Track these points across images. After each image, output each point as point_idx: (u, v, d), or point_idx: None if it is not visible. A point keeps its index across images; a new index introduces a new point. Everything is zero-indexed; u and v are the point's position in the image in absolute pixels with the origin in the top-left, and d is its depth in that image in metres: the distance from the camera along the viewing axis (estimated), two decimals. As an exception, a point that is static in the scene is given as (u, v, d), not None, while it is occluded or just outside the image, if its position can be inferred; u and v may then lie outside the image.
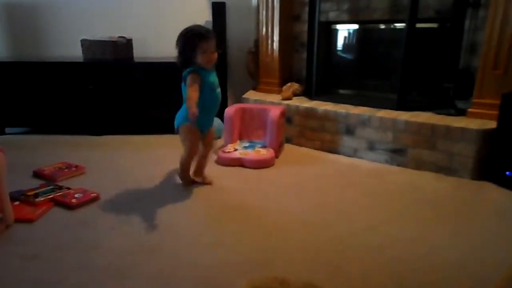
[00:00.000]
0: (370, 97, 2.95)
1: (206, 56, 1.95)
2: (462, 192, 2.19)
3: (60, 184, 2.22)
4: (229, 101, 3.64)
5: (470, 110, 2.48)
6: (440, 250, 1.63)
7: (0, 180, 1.69)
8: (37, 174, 2.38)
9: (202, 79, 1.98)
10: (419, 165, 2.50)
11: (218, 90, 2.10)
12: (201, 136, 2.15)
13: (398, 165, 2.57)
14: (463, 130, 2.31)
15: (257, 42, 3.50)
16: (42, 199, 1.98)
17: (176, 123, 2.13)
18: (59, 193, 2.05)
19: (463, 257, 1.59)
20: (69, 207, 1.95)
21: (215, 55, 1.99)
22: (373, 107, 2.76)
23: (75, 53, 3.43)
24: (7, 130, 3.32)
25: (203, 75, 1.99)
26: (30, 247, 1.64)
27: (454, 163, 2.37)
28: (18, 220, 1.81)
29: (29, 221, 1.81)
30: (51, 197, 2.01)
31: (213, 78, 2.05)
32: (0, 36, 3.60)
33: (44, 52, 3.66)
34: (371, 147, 2.67)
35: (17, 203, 1.95)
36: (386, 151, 2.61)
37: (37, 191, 2.07)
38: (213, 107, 2.12)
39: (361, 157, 2.72)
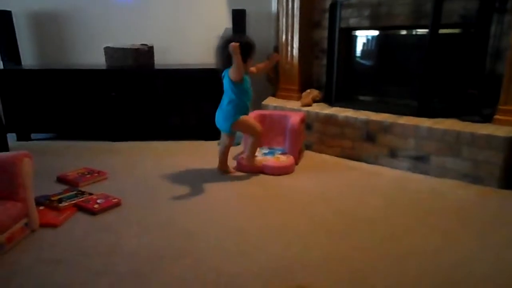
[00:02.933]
0: (391, 103, 2.90)
1: (251, 62, 2.41)
2: (489, 201, 2.13)
3: (83, 189, 2.24)
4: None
5: (496, 116, 2.41)
6: (466, 262, 1.58)
7: (27, 186, 1.72)
8: (61, 179, 2.41)
9: (244, 80, 2.38)
10: (442, 173, 2.44)
11: (251, 88, 2.46)
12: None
13: (421, 172, 2.51)
14: (489, 137, 2.24)
15: (277, 49, 3.49)
16: (66, 204, 2.00)
17: (228, 123, 2.42)
18: (82, 199, 2.08)
19: (491, 271, 1.53)
20: (92, 212, 1.97)
21: (252, 63, 2.43)
22: (394, 113, 2.71)
23: (99, 61, 3.48)
24: (33, 136, 3.38)
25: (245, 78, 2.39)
26: (54, 252, 1.65)
27: (480, 171, 2.30)
28: (43, 225, 1.83)
29: (54, 226, 1.84)
30: (75, 202, 2.04)
31: (247, 78, 2.44)
32: (27, 44, 3.69)
33: (69, 60, 3.73)
34: (393, 154, 2.62)
35: (42, 207, 1.98)
36: (408, 158, 2.56)
37: (61, 196, 2.10)
38: (248, 101, 2.45)
39: (382, 164, 2.67)
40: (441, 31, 2.50)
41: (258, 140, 2.47)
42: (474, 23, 2.52)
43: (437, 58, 2.54)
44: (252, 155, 2.51)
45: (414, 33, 2.80)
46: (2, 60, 3.47)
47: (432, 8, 2.47)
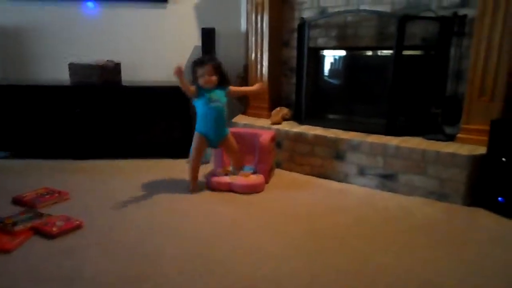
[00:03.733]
0: (359, 122, 2.93)
1: (202, 79, 2.44)
2: (455, 218, 2.15)
3: (42, 211, 2.11)
4: (218, 125, 3.59)
5: (459, 135, 2.47)
6: (437, 279, 1.57)
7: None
8: (17, 201, 2.26)
9: (198, 92, 2.47)
10: (410, 191, 2.46)
11: (215, 104, 2.48)
12: (214, 145, 2.59)
13: (389, 190, 2.53)
14: (453, 155, 2.29)
15: (246, 67, 3.49)
16: (21, 227, 1.87)
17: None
18: (40, 221, 1.95)
19: (461, 285, 1.53)
20: (50, 235, 1.85)
21: (211, 78, 2.44)
22: (363, 132, 2.74)
23: (63, 77, 3.35)
24: (-12, 154, 3.20)
25: (201, 91, 2.47)
26: (7, 279, 1.52)
27: (446, 188, 2.34)
28: (-6, 250, 1.69)
29: (7, 251, 1.71)
30: (31, 225, 1.90)
31: (212, 94, 2.47)
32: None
33: (32, 76, 3.57)
34: (362, 172, 2.63)
35: (-6, 231, 1.84)
36: (376, 176, 2.57)
37: (15, 219, 1.96)
38: (210, 117, 2.50)
39: (351, 182, 2.68)
40: (405, 52, 2.56)
41: (189, 161, 2.56)
42: (435, 46, 2.61)
43: (402, 78, 2.59)
44: (189, 175, 2.54)
45: (379, 53, 2.86)
46: (-42, 75, 3.30)
47: (396, 31, 2.53)
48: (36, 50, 3.55)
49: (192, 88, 2.47)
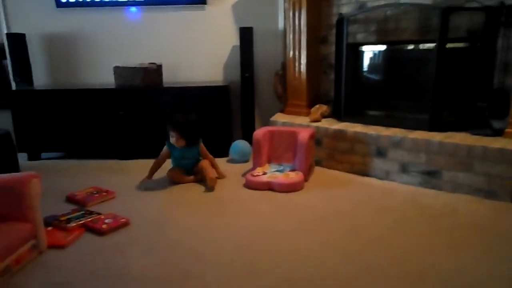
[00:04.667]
0: (401, 118, 2.87)
1: (172, 139, 2.64)
2: (503, 216, 2.07)
3: (91, 209, 2.23)
4: (256, 124, 3.63)
5: (507, 130, 2.37)
6: (483, 281, 1.53)
7: (35, 207, 1.71)
8: (69, 199, 2.41)
9: (170, 148, 2.70)
10: (455, 188, 2.38)
11: (186, 161, 2.71)
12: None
13: (433, 188, 2.47)
14: (502, 151, 2.20)
15: (284, 65, 3.50)
16: (74, 224, 1.99)
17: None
18: (90, 219, 2.06)
19: (511, 289, 1.47)
20: (100, 232, 1.95)
21: (178, 141, 2.62)
22: (405, 128, 2.68)
23: (109, 80, 3.51)
24: (43, 155, 3.40)
25: (171, 148, 2.69)
26: (62, 274, 1.63)
27: (493, 185, 2.25)
28: (50, 246, 1.82)
29: (62, 247, 1.82)
30: (83, 223, 2.02)
31: (182, 153, 2.68)
32: (39, 65, 3.73)
33: (80, 80, 3.77)
34: (404, 169, 2.58)
35: (50, 228, 1.97)
36: (419, 174, 2.51)
37: (69, 216, 2.09)
38: (182, 166, 2.73)
39: (393, 180, 2.63)
40: (448, 45, 2.49)
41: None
42: (480, 37, 2.50)
43: (446, 71, 2.51)
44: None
45: (421, 47, 2.78)
46: (15, 81, 3.52)
47: (439, 23, 2.46)
48: (83, 55, 3.73)
49: (164, 152, 2.69)
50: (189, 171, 2.73)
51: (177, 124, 2.61)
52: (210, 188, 2.54)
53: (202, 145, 2.74)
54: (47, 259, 1.74)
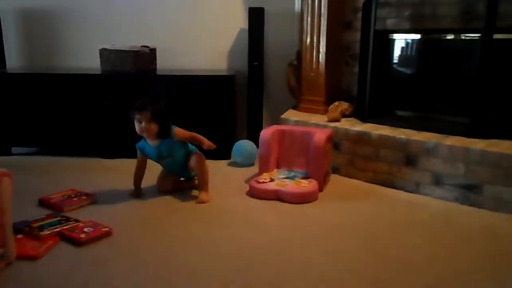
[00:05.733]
0: (436, 120, 2.87)
1: (138, 127, 2.46)
2: (555, 242, 2.07)
3: (68, 215, 2.25)
4: (264, 122, 3.64)
5: None
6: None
7: (5, 210, 1.73)
8: (43, 203, 2.44)
9: (142, 152, 2.59)
10: (498, 206, 2.38)
11: (166, 161, 2.58)
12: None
13: (471, 204, 2.47)
14: (555, 164, 2.19)
15: (299, 54, 3.51)
16: (47, 232, 2.01)
17: None
18: (67, 226, 2.09)
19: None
20: (78, 243, 1.97)
21: (148, 127, 2.44)
22: (440, 132, 2.68)
23: (94, 64, 3.55)
24: (14, 150, 3.44)
25: (142, 149, 2.58)
26: (32, 289, 1.65)
27: (544, 205, 2.25)
28: (20, 257, 1.83)
29: (33, 258, 1.84)
30: (58, 231, 2.05)
31: (157, 150, 2.53)
32: (13, 45, 3.78)
33: (60, 63, 3.81)
34: (438, 181, 2.58)
35: (20, 236, 1.99)
36: (456, 187, 2.51)
37: (42, 222, 2.11)
38: (167, 169, 2.66)
39: (424, 194, 2.63)
40: (496, 35, 2.48)
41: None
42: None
43: (492, 67, 2.51)
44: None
45: (463, 37, 2.78)
46: (-16, 62, 3.57)
47: (485, 10, 2.46)
48: (64, 34, 3.78)
49: (139, 158, 2.60)
50: (182, 172, 2.65)
51: (143, 104, 2.45)
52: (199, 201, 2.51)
53: (176, 128, 2.52)
54: (16, 272, 1.76)
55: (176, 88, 3.28)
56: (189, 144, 2.61)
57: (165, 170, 2.67)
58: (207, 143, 2.55)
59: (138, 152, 2.59)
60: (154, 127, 2.45)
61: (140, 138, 2.55)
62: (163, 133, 2.49)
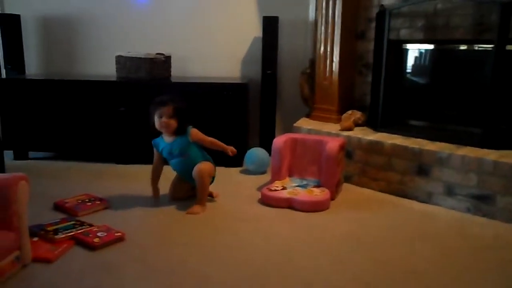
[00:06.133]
0: (449, 130, 2.86)
1: (158, 121, 2.48)
2: None
3: (82, 219, 2.29)
4: (277, 130, 3.65)
5: None
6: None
7: (22, 213, 1.77)
8: (58, 206, 2.48)
9: (156, 148, 2.60)
10: (510, 217, 2.36)
11: (177, 158, 2.55)
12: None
13: (484, 215, 2.45)
14: None
15: (313, 62, 3.52)
16: (62, 236, 2.05)
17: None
18: (81, 230, 2.12)
19: None
20: (91, 247, 2.01)
21: (168, 122, 2.46)
22: (453, 142, 2.67)
23: (110, 71, 3.60)
24: (31, 154, 3.50)
25: (157, 146, 2.59)
26: (46, 292, 1.68)
27: (558, 217, 2.22)
28: (35, 259, 1.87)
29: (48, 261, 1.88)
30: (72, 234, 2.08)
31: (169, 147, 2.53)
32: (33, 52, 3.86)
33: (77, 70, 3.89)
34: (450, 191, 2.56)
35: (35, 239, 2.03)
36: (468, 198, 2.50)
37: (57, 226, 2.15)
38: (175, 170, 2.63)
39: (437, 204, 2.62)
40: (509, 47, 2.48)
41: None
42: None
43: (505, 77, 2.50)
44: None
45: (476, 48, 2.78)
46: (5, 68, 3.63)
47: (498, 21, 2.45)
48: (82, 41, 3.85)
49: (155, 155, 2.62)
50: (191, 178, 2.54)
51: (166, 100, 2.48)
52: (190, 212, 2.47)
53: (194, 130, 2.54)
54: (31, 274, 1.80)
55: (190, 95, 3.29)
56: (205, 153, 2.61)
57: (177, 176, 2.66)
58: (230, 149, 2.59)
59: (155, 150, 2.61)
60: (173, 123, 2.47)
61: (157, 134, 2.57)
62: (180, 131, 2.50)
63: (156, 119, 2.49)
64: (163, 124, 2.47)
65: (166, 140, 2.55)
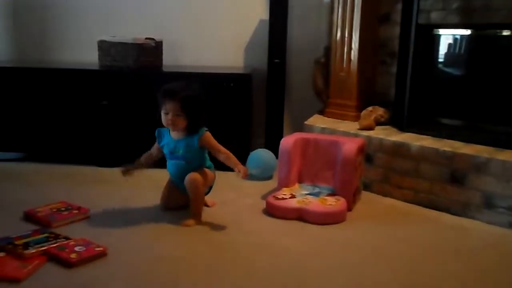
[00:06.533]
0: (488, 131, 2.85)
1: (164, 117, 2.45)
2: None
3: (57, 231, 2.28)
4: (285, 128, 3.65)
5: None
6: None
7: (-16, 224, 1.77)
8: (29, 216, 2.47)
9: (159, 139, 2.59)
10: (560, 234, 2.36)
11: (175, 161, 2.54)
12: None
13: (529, 231, 2.44)
14: None
15: (328, 50, 3.52)
16: (33, 251, 2.03)
17: None
18: (55, 244, 2.11)
19: None
20: (68, 264, 1.99)
21: (175, 120, 2.42)
22: (493, 145, 2.67)
23: (91, 58, 3.61)
24: (-3, 155, 3.51)
25: (160, 137, 2.58)
26: (13, 316, 1.68)
27: None
28: (1, 278, 1.86)
29: (16, 280, 1.86)
30: (45, 249, 2.07)
31: (175, 145, 2.51)
32: (2, 35, 3.86)
33: (52, 56, 3.89)
34: (489, 203, 2.56)
35: (2, 254, 2.03)
36: (510, 211, 2.49)
37: (27, 239, 2.14)
38: (172, 173, 2.61)
39: (472, 217, 2.61)
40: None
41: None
42: None
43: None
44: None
45: (522, 34, 2.77)
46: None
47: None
48: (59, 24, 3.86)
49: (154, 149, 2.62)
50: (179, 183, 2.55)
51: (176, 91, 2.42)
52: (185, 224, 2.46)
53: (207, 134, 2.50)
54: (-5, 295, 1.80)
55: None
56: (208, 160, 2.60)
57: (170, 180, 2.65)
58: (242, 170, 2.43)
59: (156, 142, 2.60)
60: (182, 121, 2.43)
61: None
62: (192, 129, 2.47)
63: (163, 114, 2.45)
64: (170, 122, 2.43)
65: (172, 135, 2.52)
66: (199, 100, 2.47)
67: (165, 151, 2.56)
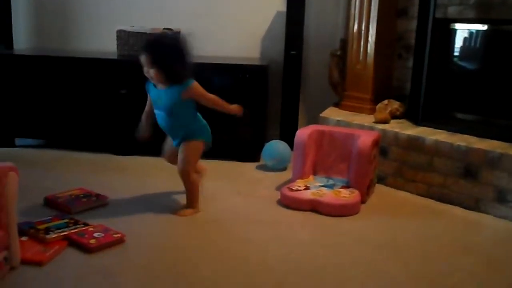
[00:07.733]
0: (502, 126, 2.85)
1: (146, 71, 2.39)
2: None
3: (77, 217, 2.34)
4: (301, 120, 3.66)
5: None
6: None
7: (10, 209, 1.81)
8: (49, 202, 2.53)
9: (148, 92, 2.53)
10: None
11: (160, 111, 2.46)
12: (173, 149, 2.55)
13: (541, 227, 2.45)
14: None
15: (344, 43, 3.52)
16: (54, 235, 2.09)
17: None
18: (75, 230, 2.17)
19: None
20: (87, 249, 2.05)
21: (149, 72, 2.37)
22: (507, 141, 2.66)
23: (110, 47, 3.65)
24: (18, 141, 3.56)
25: (150, 88, 2.51)
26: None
27: None
28: (25, 261, 1.91)
29: (39, 263, 1.92)
30: (65, 234, 2.12)
31: (157, 95, 2.45)
32: (22, 23, 3.91)
33: (72, 45, 3.93)
34: (502, 198, 2.56)
35: (25, 238, 2.08)
36: (523, 206, 2.50)
37: (48, 224, 2.20)
38: (160, 125, 2.52)
39: (485, 211, 2.62)
40: None
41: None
42: None
43: None
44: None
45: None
46: (-8, 42, 3.69)
47: None
48: (79, 13, 3.88)
49: (147, 104, 2.58)
50: (173, 136, 2.53)
51: (145, 45, 2.43)
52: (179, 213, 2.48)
53: (193, 85, 2.42)
54: (20, 278, 1.83)
55: (200, 78, 3.29)
56: (200, 117, 2.55)
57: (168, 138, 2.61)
58: (236, 108, 2.49)
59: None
60: (156, 73, 2.36)
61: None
62: (173, 79, 2.38)
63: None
64: (147, 76, 2.42)
65: (158, 86, 2.46)
66: (168, 50, 2.40)
67: (152, 98, 2.52)
